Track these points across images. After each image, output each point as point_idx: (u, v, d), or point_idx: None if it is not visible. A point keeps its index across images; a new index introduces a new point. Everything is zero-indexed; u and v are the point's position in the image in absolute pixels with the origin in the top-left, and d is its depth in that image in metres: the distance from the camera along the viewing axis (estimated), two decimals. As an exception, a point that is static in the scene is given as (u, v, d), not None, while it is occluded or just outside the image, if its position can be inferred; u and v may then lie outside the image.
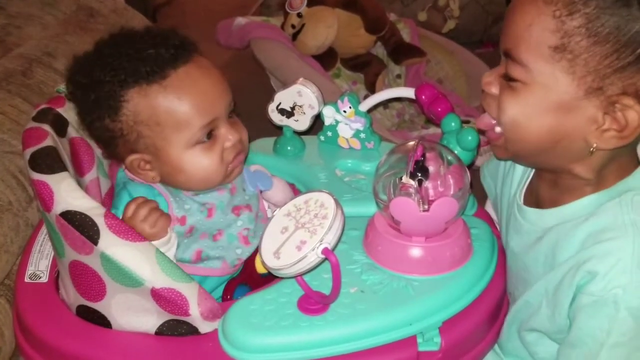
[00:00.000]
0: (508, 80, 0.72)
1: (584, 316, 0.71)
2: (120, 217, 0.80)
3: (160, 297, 0.71)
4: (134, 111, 0.81)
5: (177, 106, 0.80)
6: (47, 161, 0.76)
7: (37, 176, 0.75)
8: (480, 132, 0.83)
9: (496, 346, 0.91)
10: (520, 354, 0.87)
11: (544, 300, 0.77)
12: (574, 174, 0.75)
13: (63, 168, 0.76)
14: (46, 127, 0.83)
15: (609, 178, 0.74)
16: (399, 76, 1.91)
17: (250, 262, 0.88)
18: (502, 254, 0.87)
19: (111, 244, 0.71)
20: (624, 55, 0.64)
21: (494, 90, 0.75)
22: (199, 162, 0.84)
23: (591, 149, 0.70)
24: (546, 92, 0.68)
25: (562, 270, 0.74)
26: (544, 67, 0.67)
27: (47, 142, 0.80)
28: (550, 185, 0.81)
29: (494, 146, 0.80)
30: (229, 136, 0.85)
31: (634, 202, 0.70)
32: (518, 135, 0.73)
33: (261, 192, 0.95)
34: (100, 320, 0.76)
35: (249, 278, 0.87)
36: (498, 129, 0.77)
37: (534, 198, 0.84)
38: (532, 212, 0.82)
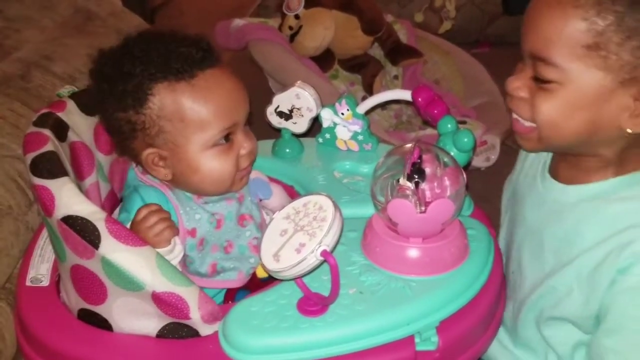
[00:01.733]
0: (541, 82, 0.73)
1: (626, 299, 0.72)
2: (132, 220, 0.82)
3: (161, 301, 0.72)
4: (160, 105, 0.82)
5: (202, 105, 0.82)
6: (48, 166, 0.77)
7: (38, 181, 0.76)
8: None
9: (505, 338, 0.92)
10: (534, 344, 0.88)
11: (575, 285, 0.78)
12: (600, 155, 0.77)
13: (64, 173, 0.77)
14: (47, 132, 0.83)
15: (631, 160, 0.76)
16: (396, 77, 1.92)
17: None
18: (498, 253, 0.88)
19: (112, 249, 0.71)
20: None
21: (523, 94, 0.76)
22: (214, 164, 0.85)
23: (626, 134, 0.72)
24: (582, 89, 0.71)
25: (600, 253, 0.75)
26: (579, 66, 0.70)
27: (48, 146, 0.80)
28: (570, 165, 0.82)
29: (523, 139, 0.80)
30: (244, 144, 0.87)
31: None
32: (556, 133, 0.75)
33: (261, 200, 0.96)
34: (102, 324, 0.77)
35: (249, 283, 0.88)
36: (527, 123, 0.78)
37: (555, 173, 0.85)
38: (556, 185, 0.83)
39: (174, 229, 0.82)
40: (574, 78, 0.71)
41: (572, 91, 0.71)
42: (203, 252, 0.87)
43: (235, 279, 0.88)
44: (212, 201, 0.89)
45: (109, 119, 0.86)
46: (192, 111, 0.82)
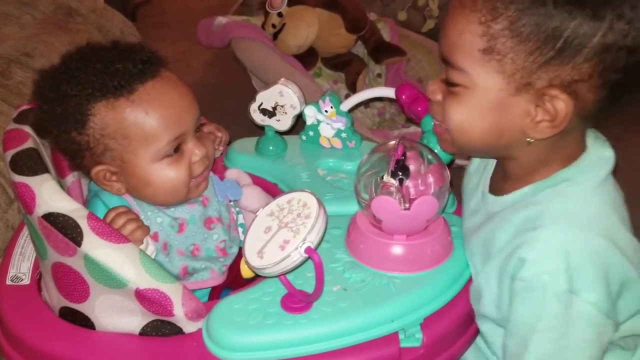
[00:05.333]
0: (450, 85, 0.75)
1: (517, 302, 0.73)
2: None
3: (144, 297, 0.72)
4: (101, 125, 0.81)
5: (144, 120, 0.81)
6: (29, 163, 0.76)
7: (18, 178, 0.75)
8: None
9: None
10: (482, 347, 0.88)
11: (486, 288, 0.79)
12: (520, 161, 0.78)
13: (45, 170, 0.76)
14: (27, 129, 0.83)
15: (552, 167, 0.77)
16: (379, 75, 1.92)
17: (235, 266, 0.89)
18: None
19: (95, 246, 0.71)
20: (545, 51, 0.68)
21: (439, 97, 0.78)
22: (165, 175, 0.84)
23: (528, 140, 0.74)
24: (485, 93, 0.72)
25: (501, 257, 0.76)
26: (479, 69, 0.71)
27: (28, 143, 0.79)
28: (503, 175, 0.83)
29: (440, 140, 0.82)
30: (196, 151, 0.85)
31: (566, 192, 0.74)
32: (465, 136, 0.77)
33: (232, 201, 0.95)
34: (84, 322, 0.76)
35: (234, 281, 0.88)
36: (443, 125, 0.79)
37: (492, 188, 0.86)
38: (489, 198, 0.84)
39: (145, 228, 0.82)
40: (477, 81, 0.72)
41: (476, 95, 0.73)
42: (170, 256, 0.87)
43: (208, 277, 0.87)
44: (173, 206, 0.88)
45: (54, 140, 0.85)
46: (135, 127, 0.81)
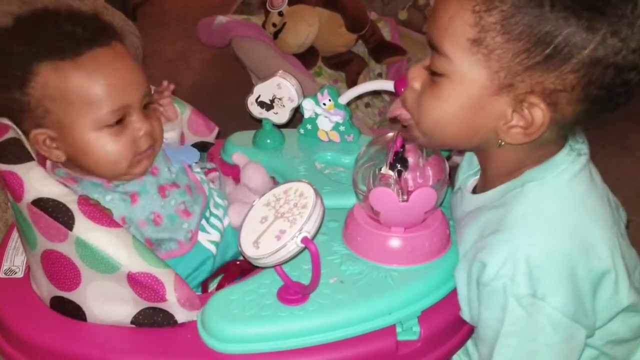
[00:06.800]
0: (432, 74, 0.73)
1: (483, 308, 0.72)
2: None
3: (136, 282, 0.71)
4: (43, 85, 0.78)
5: (88, 84, 0.79)
6: (13, 151, 0.75)
7: (4, 167, 0.74)
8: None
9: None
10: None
11: (458, 287, 0.78)
12: (495, 161, 0.77)
13: (30, 158, 0.75)
14: (6, 121, 0.81)
15: (526, 168, 0.75)
16: (380, 75, 1.92)
17: (245, 262, 0.87)
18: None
19: (86, 229, 0.70)
20: (534, 54, 0.65)
21: (417, 86, 0.75)
22: (103, 146, 0.81)
23: (499, 143, 0.72)
24: (466, 86, 0.70)
25: (467, 260, 0.75)
26: (464, 60, 0.69)
27: (10, 134, 0.78)
28: (482, 172, 0.82)
29: (408, 127, 0.79)
30: (138, 125, 0.83)
31: (530, 192, 0.73)
32: (437, 132, 0.75)
33: (190, 166, 0.93)
34: (75, 312, 0.76)
35: (224, 267, 0.87)
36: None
37: (478, 184, 0.86)
38: (466, 195, 0.83)
39: (109, 212, 0.80)
40: (460, 72, 0.69)
41: (457, 88, 0.70)
42: (132, 230, 0.83)
43: (176, 248, 0.85)
44: (122, 183, 0.86)
45: None
46: (77, 91, 0.78)
